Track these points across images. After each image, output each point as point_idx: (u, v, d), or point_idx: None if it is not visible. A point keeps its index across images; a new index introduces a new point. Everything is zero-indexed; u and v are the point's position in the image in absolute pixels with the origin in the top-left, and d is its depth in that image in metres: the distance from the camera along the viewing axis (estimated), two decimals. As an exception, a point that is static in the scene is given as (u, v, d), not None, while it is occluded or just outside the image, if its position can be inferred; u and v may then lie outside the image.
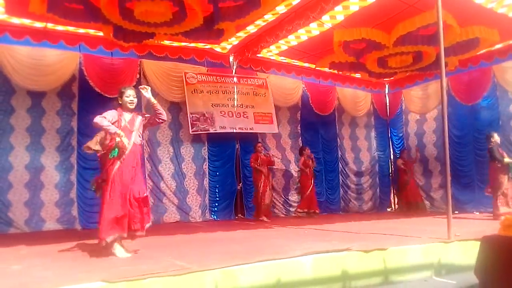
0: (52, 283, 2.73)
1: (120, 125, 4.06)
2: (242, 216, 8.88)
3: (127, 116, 4.18)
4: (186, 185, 8.46)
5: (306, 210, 8.79)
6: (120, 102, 4.21)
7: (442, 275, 3.99)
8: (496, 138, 7.54)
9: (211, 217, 8.56)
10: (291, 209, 9.40)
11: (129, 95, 4.19)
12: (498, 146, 7.52)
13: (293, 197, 9.59)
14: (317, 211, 8.82)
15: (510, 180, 7.31)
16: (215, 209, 8.66)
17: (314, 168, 9.13)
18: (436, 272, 4.00)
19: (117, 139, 3.88)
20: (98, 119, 3.98)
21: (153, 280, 2.82)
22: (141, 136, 4.30)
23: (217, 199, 8.74)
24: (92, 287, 2.67)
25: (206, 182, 8.70)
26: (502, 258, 2.68)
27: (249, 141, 9.01)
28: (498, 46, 8.25)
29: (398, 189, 10.62)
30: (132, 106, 4.21)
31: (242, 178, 9.00)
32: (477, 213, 8.33)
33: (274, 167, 9.28)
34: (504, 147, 8.63)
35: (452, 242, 4.24)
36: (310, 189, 8.86)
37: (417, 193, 9.99)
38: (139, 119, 4.25)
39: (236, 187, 8.96)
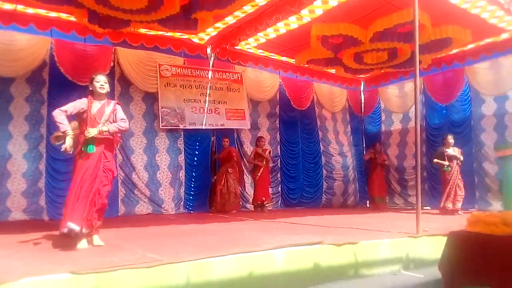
0: (18, 273, 2.63)
1: (90, 115, 3.87)
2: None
3: (96, 104, 3.98)
4: (159, 177, 8.35)
5: (255, 203, 8.76)
6: (91, 89, 4.03)
7: (410, 269, 4.08)
8: (447, 139, 8.02)
9: (185, 209, 8.48)
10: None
11: (99, 80, 4.00)
12: (447, 147, 7.97)
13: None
14: (261, 202, 8.61)
15: (453, 179, 7.81)
16: (190, 202, 8.59)
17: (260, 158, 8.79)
18: (404, 266, 4.09)
19: (87, 134, 3.78)
20: (55, 112, 3.85)
21: (123, 272, 2.76)
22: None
23: (192, 191, 8.67)
24: (60, 279, 2.59)
25: (181, 174, 8.61)
26: (467, 253, 2.76)
27: (225, 134, 8.96)
28: (470, 46, 8.46)
29: (366, 183, 10.83)
30: (103, 91, 4.00)
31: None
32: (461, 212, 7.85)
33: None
34: (473, 147, 8.93)
35: (421, 237, 4.34)
36: (257, 181, 8.79)
37: (381, 188, 10.03)
38: (110, 107, 4.02)
39: (211, 180, 8.90)
